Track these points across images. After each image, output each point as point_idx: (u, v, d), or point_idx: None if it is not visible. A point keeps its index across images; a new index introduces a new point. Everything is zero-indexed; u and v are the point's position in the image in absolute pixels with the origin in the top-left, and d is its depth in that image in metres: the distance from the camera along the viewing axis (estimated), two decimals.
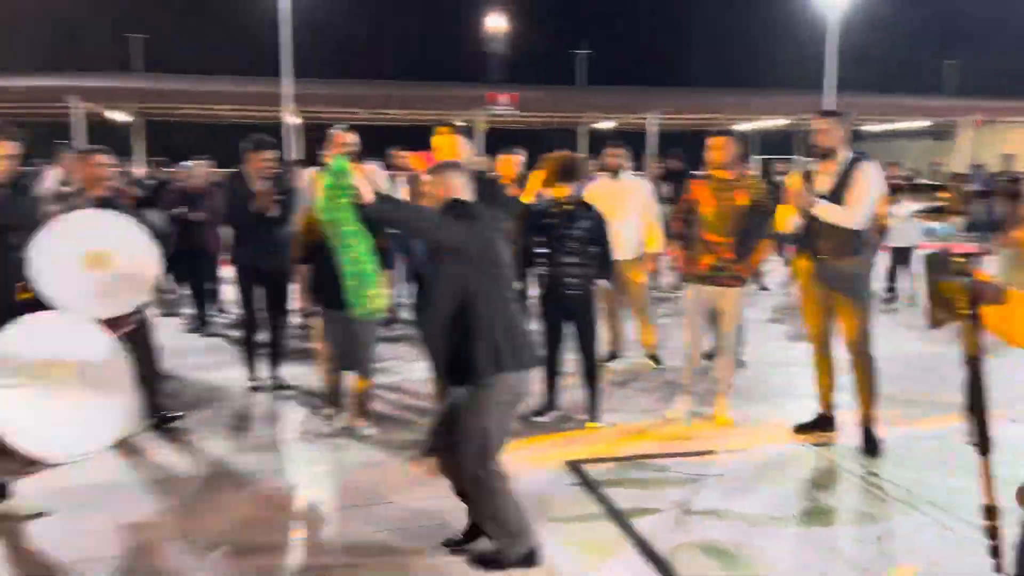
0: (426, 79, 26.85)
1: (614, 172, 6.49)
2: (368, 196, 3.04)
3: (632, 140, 26.62)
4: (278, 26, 20.53)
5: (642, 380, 6.28)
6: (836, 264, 4.60)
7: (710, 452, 4.60)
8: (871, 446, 4.58)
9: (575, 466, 4.35)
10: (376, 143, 6.57)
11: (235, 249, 5.87)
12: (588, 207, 5.16)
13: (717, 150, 5.05)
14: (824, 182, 4.65)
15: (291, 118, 21.42)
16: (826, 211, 4.53)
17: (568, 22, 35.70)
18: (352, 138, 5.65)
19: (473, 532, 3.38)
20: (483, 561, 3.25)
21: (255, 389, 5.81)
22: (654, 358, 6.70)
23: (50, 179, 7.19)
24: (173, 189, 8.54)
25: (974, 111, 24.98)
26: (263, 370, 5.87)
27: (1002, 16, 36.48)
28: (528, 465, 4.30)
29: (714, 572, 3.26)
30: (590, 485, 4.10)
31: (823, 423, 4.92)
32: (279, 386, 5.86)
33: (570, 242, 5.05)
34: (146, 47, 30.95)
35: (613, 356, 6.72)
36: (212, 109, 22.86)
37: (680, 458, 4.50)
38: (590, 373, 5.14)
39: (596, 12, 37.70)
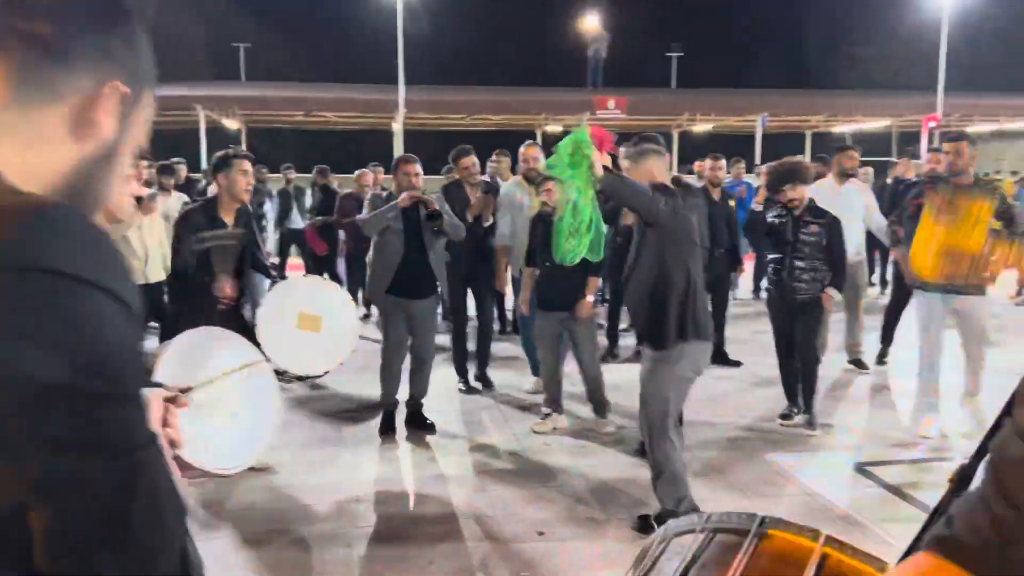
0: (524, 84, 27.13)
1: (847, 175, 6.59)
2: (599, 169, 3.38)
3: (727, 143, 26.30)
4: (356, 31, 21.01)
5: (851, 386, 6.40)
6: None
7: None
8: None
9: (862, 469, 4.53)
10: (481, 148, 6.78)
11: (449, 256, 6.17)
12: (821, 212, 5.25)
13: (955, 154, 4.94)
14: None
15: (399, 124, 21.95)
16: None
17: (658, 24, 35.56)
18: (535, 153, 6.01)
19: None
20: (648, 524, 3.64)
21: (466, 391, 6.12)
22: (859, 362, 6.80)
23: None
24: (348, 196, 8.99)
25: None
26: (472, 372, 6.21)
27: None
28: (810, 469, 4.50)
29: None
30: (890, 488, 4.26)
31: None
32: (487, 387, 6.17)
33: (802, 247, 5.17)
34: (248, 56, 31.98)
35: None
36: (321, 116, 23.52)
37: (951, 462, 4.62)
38: (808, 376, 5.23)
39: (688, 11, 37.43)
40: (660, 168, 3.81)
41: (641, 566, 1.34)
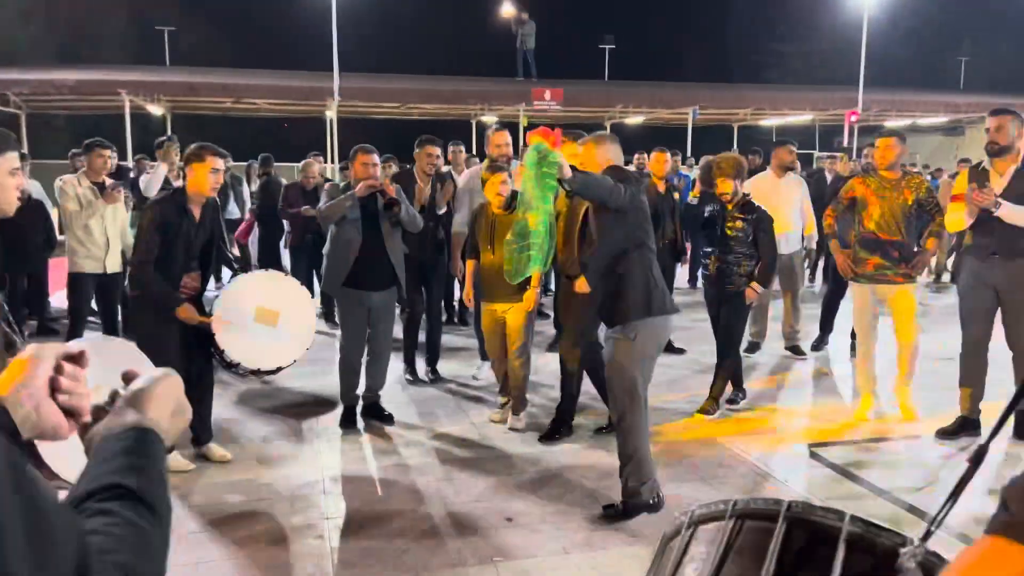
0: (461, 74, 27.04)
1: (787, 170, 6.83)
2: (567, 171, 3.46)
3: (659, 135, 26.72)
4: (287, 19, 20.65)
5: (791, 371, 6.67)
6: (1009, 264, 4.61)
7: (917, 437, 4.98)
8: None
9: (810, 450, 4.75)
10: (412, 138, 6.77)
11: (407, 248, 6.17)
12: (752, 208, 5.35)
13: (886, 149, 5.13)
14: (997, 181, 4.63)
15: (331, 112, 21.61)
16: (1012, 214, 4.53)
17: (591, 15, 35.87)
18: (506, 139, 6.01)
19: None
20: (616, 512, 3.78)
21: (412, 381, 6.15)
22: (796, 349, 7.09)
23: (158, 176, 7.46)
24: (293, 186, 8.85)
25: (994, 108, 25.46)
26: (421, 363, 6.25)
27: (1011, 13, 36.95)
28: (765, 448, 4.70)
29: None
30: (837, 468, 4.49)
31: (967, 426, 4.87)
32: (436, 379, 6.19)
33: (730, 241, 5.33)
34: (171, 40, 30.94)
35: (755, 346, 7.10)
36: (252, 103, 22.97)
37: (893, 442, 4.90)
38: (721, 361, 5.46)
39: (620, 3, 37.87)
40: (616, 153, 3.97)
41: (669, 556, 1.36)
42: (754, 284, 5.29)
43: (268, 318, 4.41)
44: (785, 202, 6.79)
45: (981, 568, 0.89)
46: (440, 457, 4.63)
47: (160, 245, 4.15)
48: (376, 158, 5.09)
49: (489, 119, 24.91)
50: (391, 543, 3.56)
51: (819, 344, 7.32)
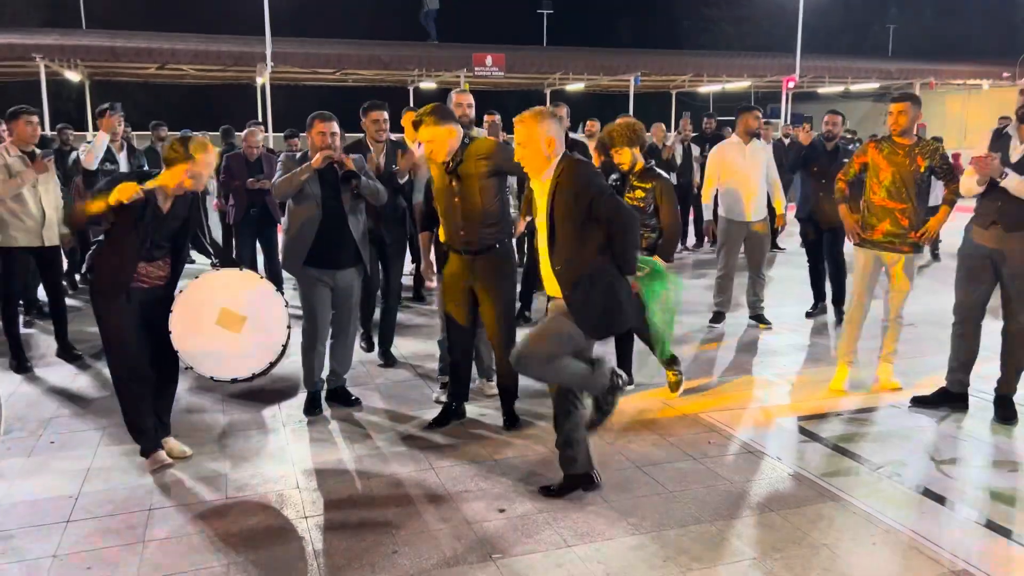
0: (399, 39, 26.28)
1: (753, 136, 6.71)
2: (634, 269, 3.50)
3: (599, 101, 26.82)
4: None
5: (758, 341, 6.62)
6: (1009, 236, 4.47)
7: (902, 406, 4.94)
8: (1008, 413, 4.65)
9: (796, 424, 4.67)
10: (352, 104, 6.42)
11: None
12: (653, 175, 5.05)
13: (899, 114, 4.95)
14: (1017, 148, 4.46)
15: (262, 78, 20.75)
16: (1018, 186, 4.32)
17: None
18: (469, 100, 5.69)
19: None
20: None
21: (366, 349, 6.01)
22: (760, 318, 7.04)
23: (100, 146, 6.97)
24: (236, 156, 8.36)
25: (925, 74, 26.11)
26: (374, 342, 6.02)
27: None
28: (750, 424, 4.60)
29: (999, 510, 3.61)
30: (826, 442, 4.41)
31: (950, 399, 4.84)
32: (388, 365, 5.89)
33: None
34: (87, 2, 29.19)
35: (720, 316, 7.03)
36: (177, 69, 21.90)
37: (880, 412, 4.85)
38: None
39: None
40: (558, 131, 3.55)
41: None
42: (656, 258, 4.82)
43: (232, 322, 4.06)
44: (752, 168, 6.71)
45: None
46: (418, 444, 4.39)
47: (115, 224, 3.78)
48: (335, 126, 4.70)
49: (428, 85, 24.34)
50: (380, 543, 3.31)
51: (813, 311, 7.39)
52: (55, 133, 10.80)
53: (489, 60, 20.47)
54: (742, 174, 6.71)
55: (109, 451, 4.30)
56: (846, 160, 6.36)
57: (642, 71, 23.40)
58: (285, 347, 4.15)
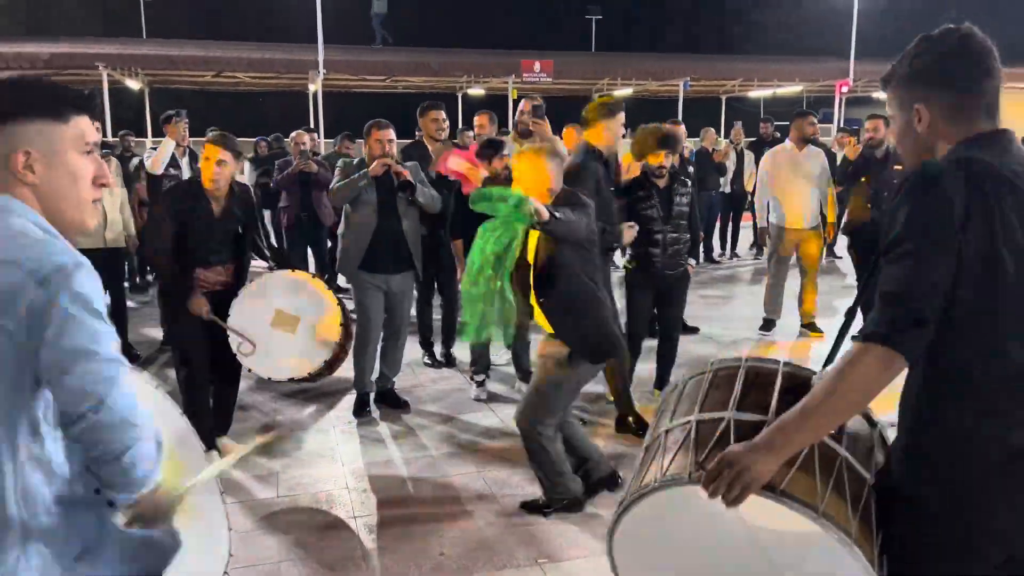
0: (447, 46, 26.54)
1: (807, 141, 6.60)
2: (544, 214, 3.09)
3: (649, 107, 26.51)
4: None
5: (811, 350, 6.51)
6: None
7: None
8: None
9: None
10: (402, 111, 6.52)
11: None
12: (685, 181, 4.98)
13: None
14: None
15: (314, 86, 21.11)
16: None
17: None
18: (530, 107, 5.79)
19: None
20: (531, 506, 3.62)
21: (431, 364, 5.94)
22: (812, 326, 6.92)
23: (165, 151, 7.14)
24: (287, 163, 8.52)
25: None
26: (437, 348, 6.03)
27: None
28: None
29: None
30: None
31: None
32: (450, 365, 5.95)
33: (670, 217, 4.86)
34: (147, 11, 30.12)
35: (771, 323, 6.93)
36: (233, 77, 22.42)
37: None
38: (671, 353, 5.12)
39: None
40: (558, 171, 3.48)
41: (668, 403, 1.95)
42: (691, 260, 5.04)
43: (286, 323, 4.15)
44: (804, 175, 6.60)
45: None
46: (466, 448, 4.42)
47: (173, 236, 3.89)
48: (391, 133, 4.79)
49: (476, 92, 24.52)
50: (428, 544, 3.35)
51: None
52: (117, 139, 11.17)
53: (537, 66, 20.54)
54: (795, 180, 6.61)
55: None
56: (899, 166, 6.22)
57: (691, 76, 23.22)
58: (342, 346, 4.23)
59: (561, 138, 6.55)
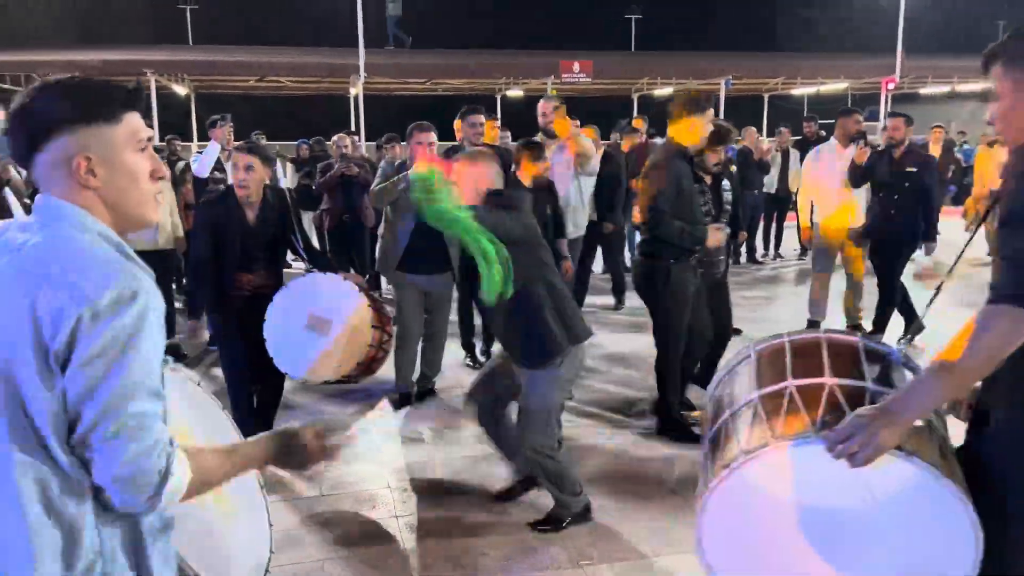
0: (487, 47, 26.63)
1: (852, 141, 6.49)
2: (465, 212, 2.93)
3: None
4: None
5: None
6: None
7: None
8: None
9: None
10: (442, 113, 6.55)
11: None
12: (730, 175, 4.99)
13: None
14: None
15: (355, 89, 21.31)
16: None
17: None
18: (554, 105, 5.78)
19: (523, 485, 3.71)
20: (545, 522, 3.48)
21: (473, 366, 5.89)
22: (858, 327, 6.79)
23: (211, 155, 7.26)
24: (329, 166, 8.62)
25: None
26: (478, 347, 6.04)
27: None
28: None
29: None
30: None
31: None
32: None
33: (722, 213, 4.83)
34: (193, 17, 30.74)
35: (815, 325, 6.81)
36: (276, 81, 22.74)
37: None
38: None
39: None
40: (495, 174, 3.38)
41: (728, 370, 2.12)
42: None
43: (320, 326, 4.20)
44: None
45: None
46: None
47: (211, 245, 3.97)
48: (433, 136, 4.83)
49: (515, 93, 24.54)
50: (469, 544, 3.36)
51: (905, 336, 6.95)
52: (164, 143, 11.43)
53: (576, 66, 20.47)
54: (839, 180, 6.49)
55: None
56: (911, 169, 6.06)
57: (733, 74, 22.92)
58: (377, 348, 4.25)
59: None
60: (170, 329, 6.39)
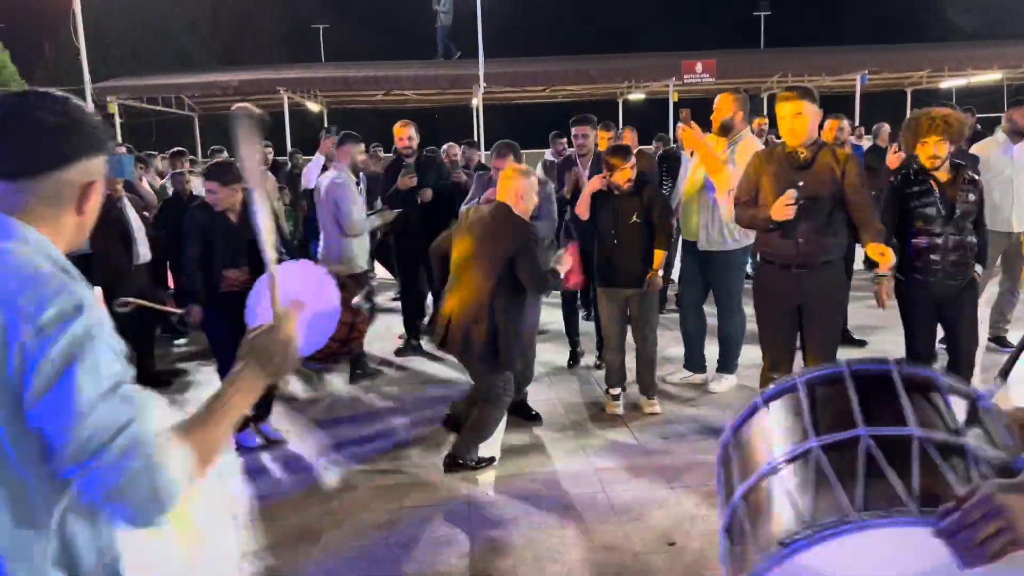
0: (606, 51, 26.41)
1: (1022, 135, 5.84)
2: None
3: (823, 104, 25.02)
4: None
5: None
6: None
7: None
8: None
9: None
10: (562, 120, 6.54)
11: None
12: (974, 178, 4.28)
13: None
14: None
15: (476, 99, 21.59)
16: None
17: None
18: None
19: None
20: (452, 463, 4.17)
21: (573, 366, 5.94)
22: (1001, 340, 6.13)
23: (314, 167, 7.42)
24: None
25: None
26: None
27: None
28: None
29: None
30: None
31: None
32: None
33: (961, 219, 4.21)
34: (325, 36, 32.16)
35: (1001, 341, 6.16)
36: (401, 95, 23.39)
37: None
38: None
39: None
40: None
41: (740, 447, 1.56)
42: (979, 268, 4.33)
43: (294, 307, 4.19)
44: (1020, 172, 5.81)
45: None
46: (594, 463, 4.24)
47: (200, 245, 4.47)
48: (507, 161, 5.08)
49: (637, 97, 24.16)
50: (549, 564, 3.20)
51: None
52: (288, 157, 11.93)
53: (699, 67, 19.87)
54: (1008, 177, 5.82)
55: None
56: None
57: (870, 68, 21.60)
58: (350, 327, 4.20)
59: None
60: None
